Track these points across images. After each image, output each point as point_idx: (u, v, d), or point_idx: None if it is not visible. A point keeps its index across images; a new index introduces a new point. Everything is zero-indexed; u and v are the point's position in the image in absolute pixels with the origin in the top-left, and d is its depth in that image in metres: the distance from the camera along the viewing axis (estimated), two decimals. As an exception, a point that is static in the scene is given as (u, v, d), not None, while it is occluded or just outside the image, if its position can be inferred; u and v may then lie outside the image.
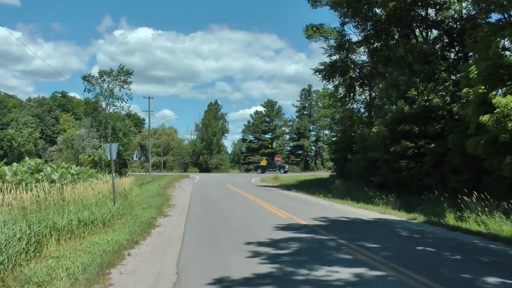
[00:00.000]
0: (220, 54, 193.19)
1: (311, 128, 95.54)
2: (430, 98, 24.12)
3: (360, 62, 35.80)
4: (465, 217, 16.24)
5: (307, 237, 11.56)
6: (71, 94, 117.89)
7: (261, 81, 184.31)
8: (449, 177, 22.05)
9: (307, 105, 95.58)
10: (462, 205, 16.66)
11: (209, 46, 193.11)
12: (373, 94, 37.07)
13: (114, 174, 16.67)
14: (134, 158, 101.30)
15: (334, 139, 44.15)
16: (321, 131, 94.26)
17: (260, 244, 10.56)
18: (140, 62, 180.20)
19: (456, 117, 22.38)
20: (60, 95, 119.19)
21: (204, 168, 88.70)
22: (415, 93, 24.70)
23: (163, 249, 10.40)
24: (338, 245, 10.40)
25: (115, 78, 55.50)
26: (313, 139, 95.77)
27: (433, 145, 23.10)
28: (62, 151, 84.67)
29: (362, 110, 38.87)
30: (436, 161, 22.85)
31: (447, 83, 24.87)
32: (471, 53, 24.71)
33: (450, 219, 16.97)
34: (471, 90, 18.12)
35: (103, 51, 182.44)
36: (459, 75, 22.99)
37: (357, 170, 30.99)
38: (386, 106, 26.78)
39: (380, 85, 31.10)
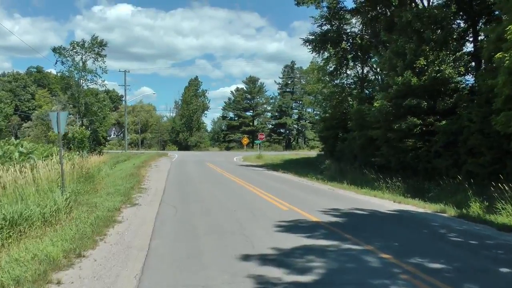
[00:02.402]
0: (201, 31, 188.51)
1: (293, 106, 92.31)
2: (442, 68, 20.69)
3: (354, 33, 32.27)
4: (498, 208, 12.98)
5: (329, 245, 7.98)
6: (48, 70, 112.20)
7: (242, 60, 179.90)
8: (463, 159, 18.75)
9: (290, 82, 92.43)
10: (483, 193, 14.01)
11: (190, 24, 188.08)
12: (366, 68, 34.01)
13: (62, 152, 12.72)
14: (112, 136, 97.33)
15: (324, 115, 40.72)
16: (304, 109, 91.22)
17: (263, 260, 7.00)
18: (120, 38, 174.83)
19: (476, 88, 19.13)
20: (35, 70, 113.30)
21: (184, 146, 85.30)
22: (424, 62, 21.22)
23: (118, 267, 6.75)
24: (384, 264, 6.82)
25: (88, 50, 51.00)
26: (296, 117, 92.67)
27: (444, 122, 19.77)
28: (33, 128, 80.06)
29: (353, 86, 35.68)
30: (448, 140, 19.55)
31: (459, 53, 21.57)
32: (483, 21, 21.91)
33: (476, 209, 13.71)
34: (506, 55, 14.67)
35: (81, 27, 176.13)
36: (482, 40, 19.65)
37: (351, 149, 27.90)
38: (389, 78, 23.37)
39: (377, 57, 27.70)
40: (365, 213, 12.21)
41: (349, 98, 34.35)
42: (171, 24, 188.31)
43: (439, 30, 21.49)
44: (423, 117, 20.22)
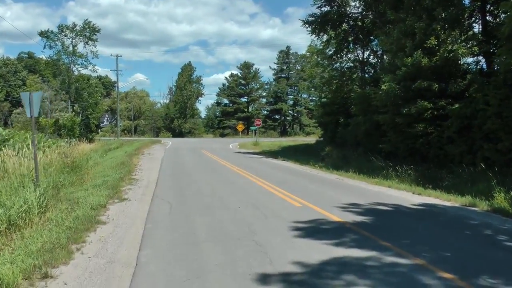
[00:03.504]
0: (194, 18, 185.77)
1: (289, 91, 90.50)
2: (454, 48, 18.96)
3: (355, 13, 30.52)
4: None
5: (367, 258, 6.19)
6: (40, 56, 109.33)
7: (236, 46, 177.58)
8: (478, 144, 17.14)
9: (285, 67, 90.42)
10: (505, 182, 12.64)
11: (183, 10, 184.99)
12: (367, 52, 32.39)
13: (35, 140, 10.72)
14: (105, 122, 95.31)
15: (323, 100, 39.10)
16: (300, 95, 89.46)
17: (288, 283, 5.26)
18: (113, 25, 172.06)
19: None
20: (26, 56, 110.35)
21: (177, 133, 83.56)
22: (435, 42, 19.47)
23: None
24: None
25: (79, 33, 48.70)
26: (291, 103, 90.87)
27: (457, 105, 18.10)
28: (22, 114, 77.71)
29: (354, 70, 34.12)
30: (462, 124, 17.92)
31: (471, 32, 19.95)
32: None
33: (501, 200, 12.08)
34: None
35: (74, 13, 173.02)
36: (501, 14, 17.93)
37: (354, 135, 26.32)
38: (398, 60, 21.68)
39: (383, 38, 25.91)
40: (389, 209, 10.50)
41: (349, 82, 32.94)
42: (165, 10, 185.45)
43: (450, 8, 19.81)
44: (434, 101, 18.57)
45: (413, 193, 13.50)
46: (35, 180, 9.97)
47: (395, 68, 21.10)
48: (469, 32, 20.03)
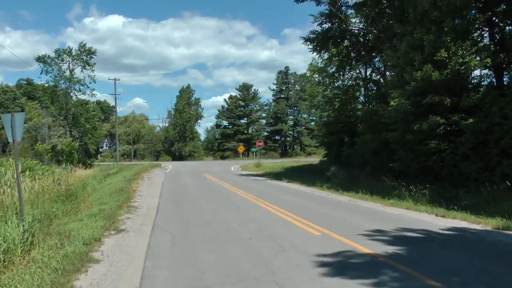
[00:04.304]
0: (192, 41, 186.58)
1: (288, 112, 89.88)
2: (466, 60, 17.96)
3: (358, 29, 29.90)
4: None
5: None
6: (39, 83, 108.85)
7: (234, 68, 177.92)
8: (496, 161, 16.07)
9: (284, 88, 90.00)
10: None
11: (181, 33, 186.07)
12: (369, 70, 31.72)
13: (18, 168, 9.41)
14: (104, 147, 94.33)
15: (326, 119, 38.35)
16: (300, 115, 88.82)
17: None
18: (111, 50, 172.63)
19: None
20: (25, 82, 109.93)
21: (177, 156, 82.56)
22: (446, 55, 18.50)
23: None
24: None
25: (75, 58, 47.92)
26: (291, 123, 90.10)
27: (471, 120, 17.06)
28: (20, 142, 76.73)
29: (357, 88, 33.53)
30: (477, 140, 16.87)
31: (483, 44, 19.04)
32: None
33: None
34: None
35: (73, 39, 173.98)
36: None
37: (361, 154, 25.41)
38: (406, 74, 20.77)
39: (389, 52, 25.09)
40: (419, 235, 9.30)
41: (352, 100, 32.32)
42: (162, 34, 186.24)
43: (457, 20, 18.96)
44: (447, 116, 17.51)
45: (436, 215, 12.37)
46: (19, 213, 8.77)
47: (404, 83, 20.16)
48: (480, 44, 19.11)
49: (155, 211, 13.71)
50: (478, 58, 18.09)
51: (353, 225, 10.45)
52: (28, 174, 17.55)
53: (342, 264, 6.88)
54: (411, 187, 17.05)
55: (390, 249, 7.85)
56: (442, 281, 5.87)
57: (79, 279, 6.50)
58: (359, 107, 32.37)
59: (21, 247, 7.36)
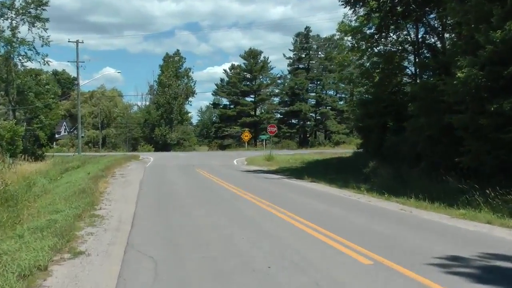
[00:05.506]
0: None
1: (309, 87, 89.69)
2: None
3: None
4: None
5: None
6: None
7: (236, 29, 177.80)
8: None
9: (304, 55, 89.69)
10: None
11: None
12: (422, 29, 31.51)
13: None
14: (62, 133, 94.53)
15: (361, 97, 38.40)
16: (325, 92, 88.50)
17: None
18: (73, 3, 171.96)
19: None
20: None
21: (161, 146, 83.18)
22: (537, 7, 18.19)
23: None
24: None
25: (20, 11, 47.39)
26: (313, 102, 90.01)
27: None
28: None
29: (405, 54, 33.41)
30: None
31: None
32: None
33: None
34: None
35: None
36: None
37: (413, 145, 25.27)
38: (479, 35, 20.27)
39: (453, 4, 24.63)
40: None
41: (397, 71, 32.21)
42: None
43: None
44: (538, 91, 17.46)
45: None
46: None
47: (475, 47, 19.82)
48: None
49: (130, 224, 13.16)
50: None
51: (416, 248, 9.77)
52: None
53: None
54: (487, 191, 16.51)
55: (479, 289, 7.00)
56: None
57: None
58: (408, 80, 32.56)
59: None
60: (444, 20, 27.16)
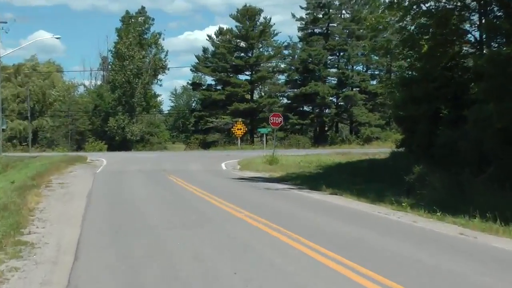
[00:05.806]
0: None
1: (329, 61, 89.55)
2: None
3: None
4: None
5: None
6: None
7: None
8: None
9: (321, 16, 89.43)
10: None
11: None
12: None
13: None
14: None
15: (402, 73, 38.65)
16: (350, 67, 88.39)
17: None
18: None
19: None
20: None
21: (118, 143, 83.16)
22: None
23: None
24: None
25: None
26: (334, 82, 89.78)
27: None
28: None
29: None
30: None
31: None
32: None
33: None
34: None
35: None
36: None
37: (475, 143, 25.47)
38: None
39: None
40: None
41: (455, 38, 32.18)
42: None
43: None
44: None
45: None
46: None
47: None
48: None
49: (73, 255, 13.17)
50: None
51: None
52: None
53: None
54: None
55: None
56: None
57: None
58: (471, 50, 32.44)
59: None
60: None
